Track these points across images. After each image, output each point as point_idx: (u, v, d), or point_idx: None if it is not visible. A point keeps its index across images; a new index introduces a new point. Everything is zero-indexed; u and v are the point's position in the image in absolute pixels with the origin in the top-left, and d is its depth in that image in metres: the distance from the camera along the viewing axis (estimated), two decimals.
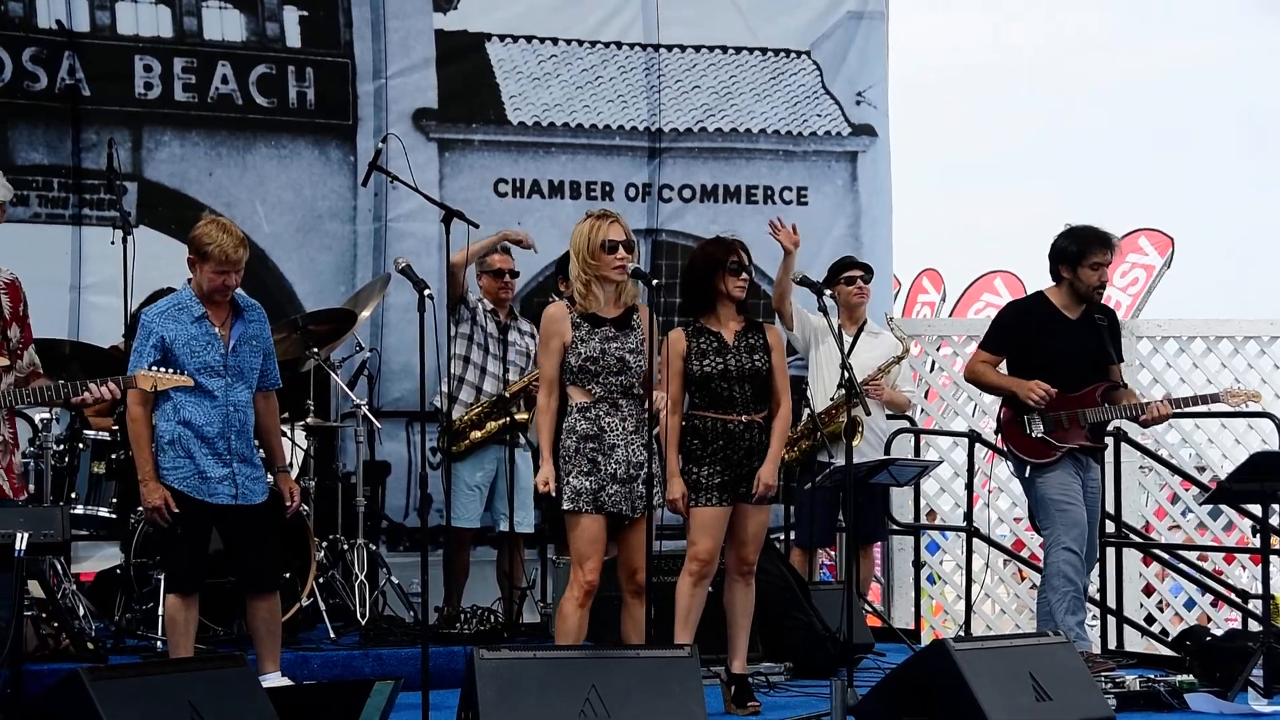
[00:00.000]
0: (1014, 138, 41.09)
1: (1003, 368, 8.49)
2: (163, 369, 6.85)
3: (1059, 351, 8.28)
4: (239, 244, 7.00)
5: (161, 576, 7.89)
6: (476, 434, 8.91)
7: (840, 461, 9.13)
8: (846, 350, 9.15)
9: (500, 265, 9.12)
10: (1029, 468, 8.27)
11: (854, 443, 9.11)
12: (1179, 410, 8.62)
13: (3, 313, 6.98)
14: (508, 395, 8.93)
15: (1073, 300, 8.35)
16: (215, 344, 7.03)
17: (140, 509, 8.10)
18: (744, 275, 7.41)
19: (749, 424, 7.36)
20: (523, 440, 9.02)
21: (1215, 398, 8.64)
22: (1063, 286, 8.37)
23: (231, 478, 7.04)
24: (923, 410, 11.64)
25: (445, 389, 8.78)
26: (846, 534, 9.50)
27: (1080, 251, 8.25)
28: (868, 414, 8.68)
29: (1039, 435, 8.20)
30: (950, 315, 20.01)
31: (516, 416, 8.94)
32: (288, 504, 7.33)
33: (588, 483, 6.91)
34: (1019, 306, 8.73)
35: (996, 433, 8.59)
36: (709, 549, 7.34)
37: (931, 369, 11.56)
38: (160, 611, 7.86)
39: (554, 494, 6.98)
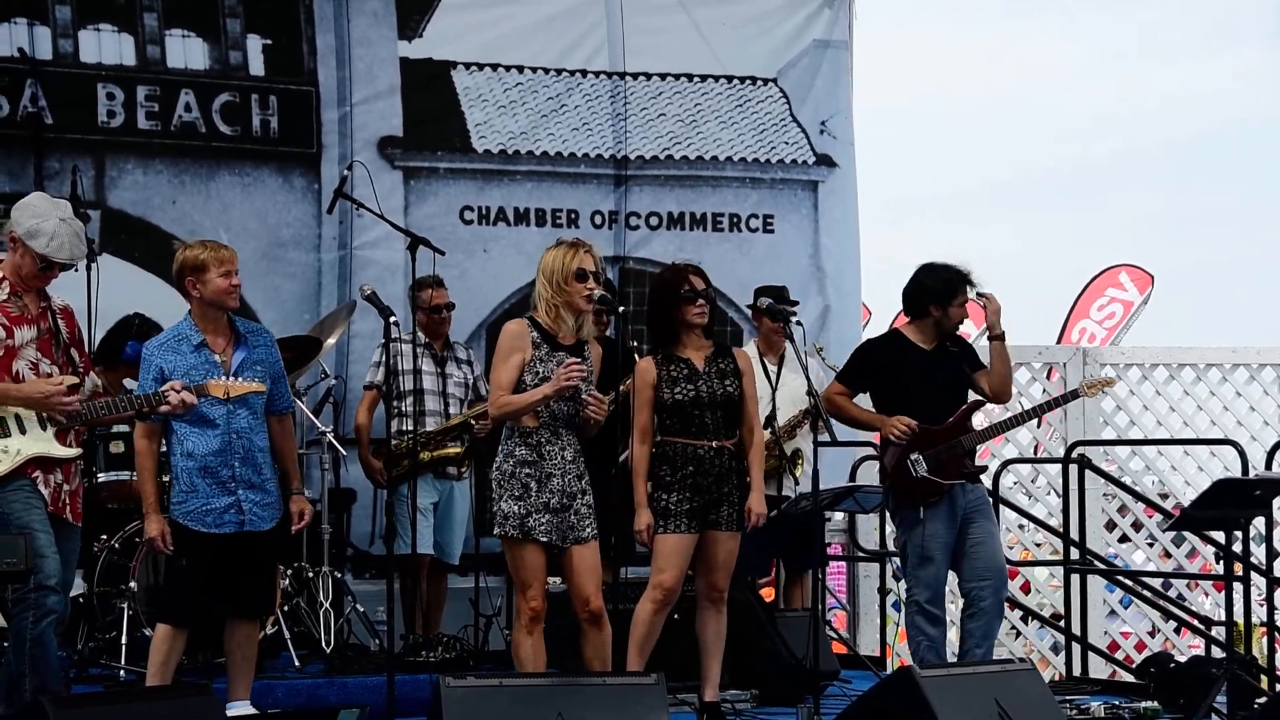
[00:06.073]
0: (1001, 169, 41.29)
1: (866, 401, 8.36)
2: (234, 377, 6.87)
3: (920, 384, 8.11)
4: (220, 245, 7.11)
5: (124, 605, 7.95)
6: (425, 455, 8.91)
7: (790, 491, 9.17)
8: (774, 382, 9.20)
9: (436, 301, 9.08)
10: (921, 509, 8.05)
11: (795, 473, 9.15)
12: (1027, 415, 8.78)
13: (63, 337, 6.93)
14: (447, 427, 8.97)
15: (931, 335, 8.22)
16: (215, 371, 6.94)
17: (104, 537, 8.14)
18: (700, 302, 7.41)
19: (719, 450, 7.35)
20: (456, 471, 9.08)
21: (1074, 394, 8.57)
22: (926, 322, 8.19)
23: (237, 505, 6.95)
24: None
25: (396, 426, 8.90)
26: (784, 563, 9.54)
27: (949, 291, 8.14)
28: (833, 440, 8.63)
29: (923, 475, 8.09)
30: None
31: (449, 451, 8.97)
32: (295, 525, 7.26)
33: (516, 507, 6.83)
34: (875, 342, 8.55)
35: (883, 478, 8.43)
36: (675, 577, 7.31)
37: None
38: (123, 640, 7.90)
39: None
